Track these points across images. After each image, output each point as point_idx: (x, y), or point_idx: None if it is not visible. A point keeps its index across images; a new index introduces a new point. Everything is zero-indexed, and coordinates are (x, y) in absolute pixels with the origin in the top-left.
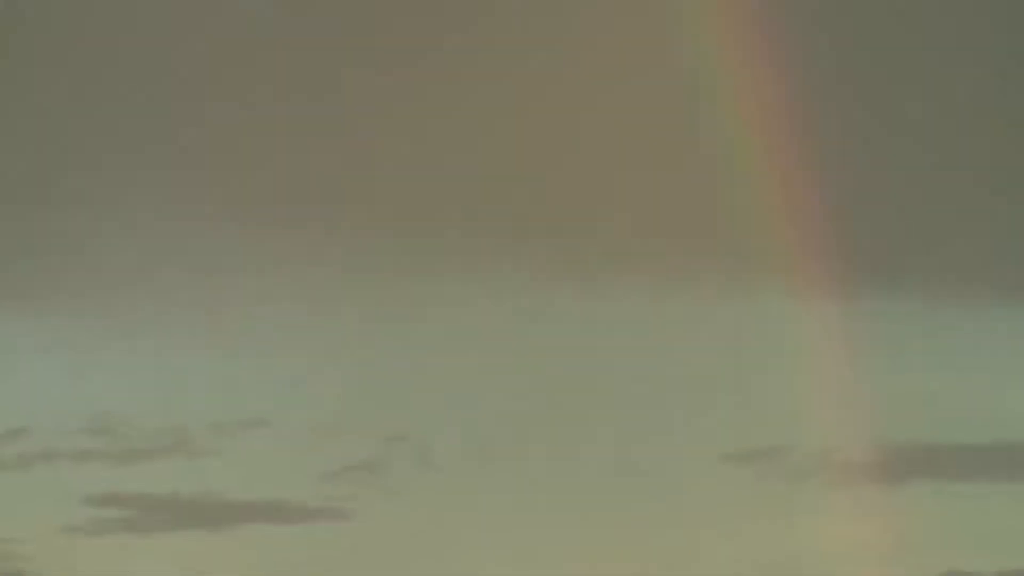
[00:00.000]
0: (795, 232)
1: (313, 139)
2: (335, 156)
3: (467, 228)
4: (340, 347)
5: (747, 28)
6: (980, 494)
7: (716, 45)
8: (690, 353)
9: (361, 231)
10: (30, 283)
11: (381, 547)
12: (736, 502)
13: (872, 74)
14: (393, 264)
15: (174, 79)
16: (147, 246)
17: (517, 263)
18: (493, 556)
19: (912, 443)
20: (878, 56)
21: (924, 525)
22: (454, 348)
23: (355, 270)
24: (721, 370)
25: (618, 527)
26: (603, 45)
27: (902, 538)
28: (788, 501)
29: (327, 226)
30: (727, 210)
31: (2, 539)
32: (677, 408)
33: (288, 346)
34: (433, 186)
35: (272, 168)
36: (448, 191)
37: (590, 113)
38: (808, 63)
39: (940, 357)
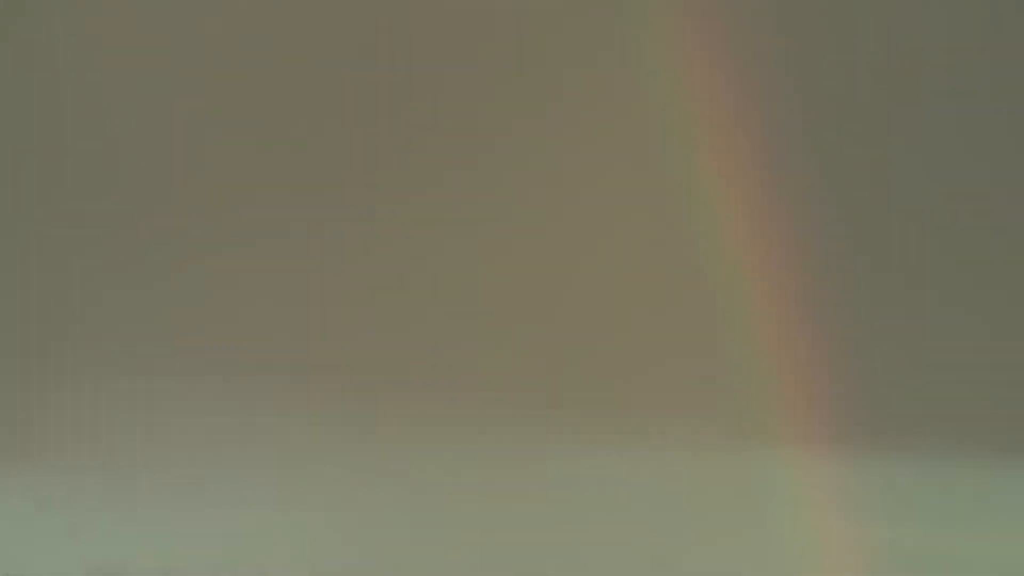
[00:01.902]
0: (797, 388)
1: (312, 292)
2: (336, 310)
3: (467, 387)
4: (340, 500)
5: (751, 205)
6: None
7: (722, 225)
8: (688, 510)
9: (362, 384)
10: (27, 440)
11: None
12: None
13: (872, 231)
14: (395, 419)
15: (172, 236)
16: (144, 400)
17: (516, 421)
18: None
19: None
20: (879, 219)
21: None
22: (454, 504)
23: (356, 424)
24: (720, 528)
25: None
26: (605, 217)
27: None
28: None
29: (328, 379)
30: (727, 366)
31: None
32: (678, 567)
33: (288, 499)
34: (435, 342)
35: (271, 322)
36: (450, 350)
37: (590, 281)
38: (811, 227)
39: (943, 513)
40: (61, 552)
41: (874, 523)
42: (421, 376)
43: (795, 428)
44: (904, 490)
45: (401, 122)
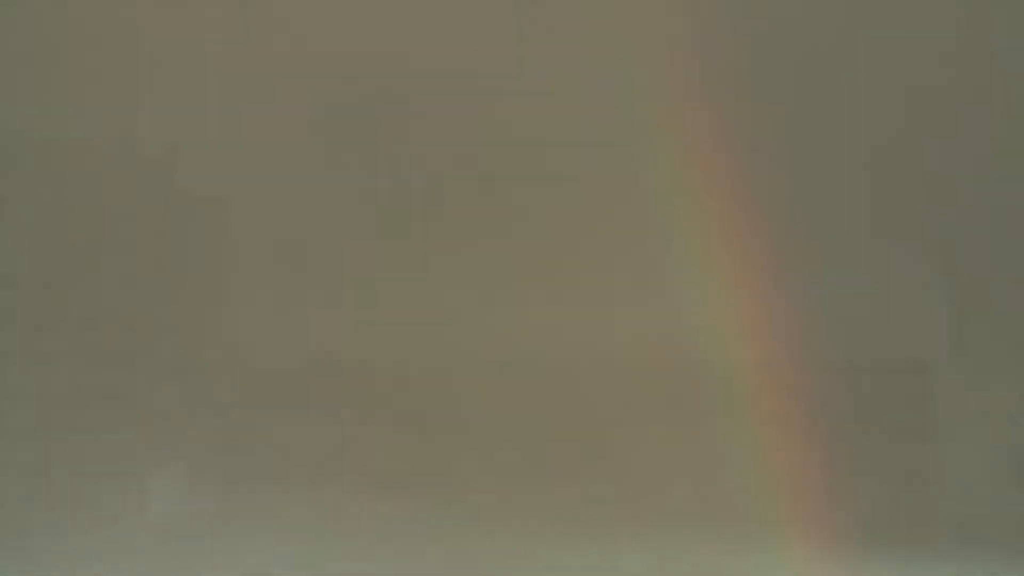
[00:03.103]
0: (801, 499)
1: (324, 397)
2: (344, 415)
3: (482, 499)
4: None
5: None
6: None
7: (733, 345)
8: None
9: (369, 490)
10: (32, 549)
11: None
12: None
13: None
14: (401, 515)
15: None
16: (149, 511)
17: (520, 517)
18: None
19: None
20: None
21: None
22: None
23: (365, 529)
24: None
25: None
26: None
27: None
28: None
29: (336, 488)
30: (737, 481)
31: None
32: None
33: None
34: (443, 440)
35: (279, 430)
36: (457, 446)
37: (601, 395)
38: (818, 351)
39: None
40: None
41: None
42: (432, 482)
43: (804, 538)
44: None
45: (410, 233)
